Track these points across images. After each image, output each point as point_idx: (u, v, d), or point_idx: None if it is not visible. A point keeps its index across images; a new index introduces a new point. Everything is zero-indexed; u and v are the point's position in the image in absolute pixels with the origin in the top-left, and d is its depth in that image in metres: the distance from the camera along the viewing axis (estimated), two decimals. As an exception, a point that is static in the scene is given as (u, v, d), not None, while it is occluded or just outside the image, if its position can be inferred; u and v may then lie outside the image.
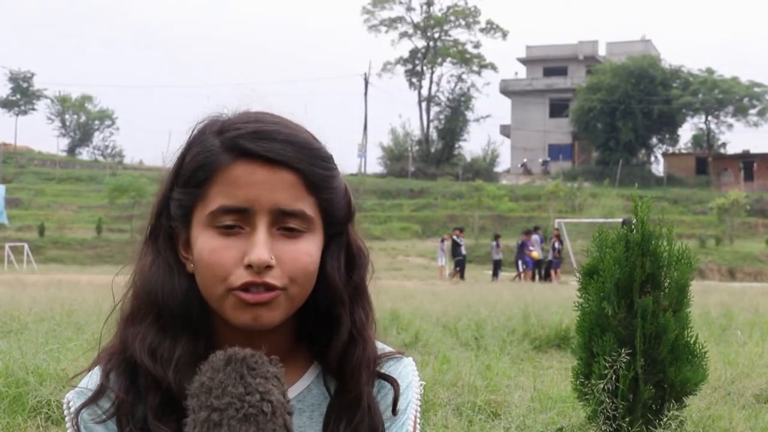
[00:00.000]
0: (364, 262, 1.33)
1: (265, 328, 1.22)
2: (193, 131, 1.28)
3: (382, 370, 1.35)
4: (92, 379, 1.28)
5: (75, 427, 1.26)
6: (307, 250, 1.23)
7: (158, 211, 1.30)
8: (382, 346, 1.38)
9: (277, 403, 1.08)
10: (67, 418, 1.29)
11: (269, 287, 1.19)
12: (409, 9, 71.02)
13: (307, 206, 1.23)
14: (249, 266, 1.19)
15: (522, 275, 28.96)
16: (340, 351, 1.28)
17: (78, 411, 1.25)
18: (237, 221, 1.21)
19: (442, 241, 31.26)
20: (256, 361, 1.11)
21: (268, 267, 1.19)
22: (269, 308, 1.20)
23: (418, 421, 1.36)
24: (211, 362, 1.12)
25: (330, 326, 1.29)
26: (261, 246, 1.18)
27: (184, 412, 1.13)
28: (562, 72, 69.53)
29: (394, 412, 1.33)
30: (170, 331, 1.24)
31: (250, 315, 1.20)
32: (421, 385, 1.40)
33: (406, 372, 1.37)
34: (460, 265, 29.26)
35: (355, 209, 1.33)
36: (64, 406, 1.29)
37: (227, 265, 1.19)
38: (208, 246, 1.21)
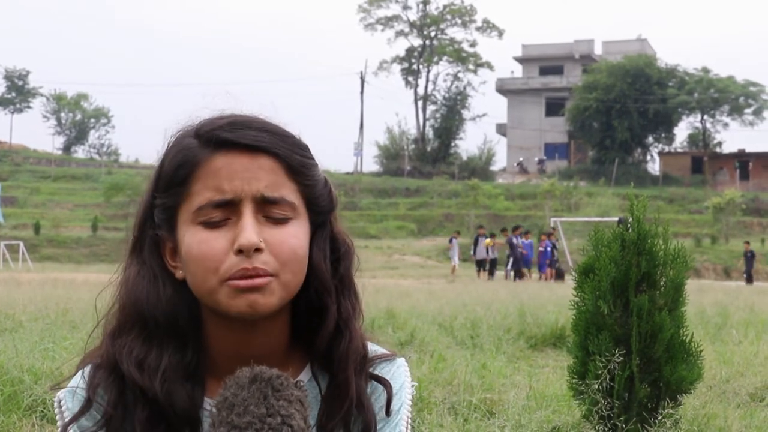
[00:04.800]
0: (349, 254, 1.34)
1: (262, 315, 1.22)
2: (169, 142, 1.29)
3: (375, 372, 1.35)
4: (82, 379, 1.27)
5: None
6: (295, 233, 1.24)
7: (141, 222, 1.30)
8: (375, 348, 1.38)
9: (297, 428, 1.08)
10: (58, 416, 1.29)
11: (261, 273, 1.19)
12: (406, 7, 71.00)
13: (289, 192, 1.25)
14: (239, 252, 1.19)
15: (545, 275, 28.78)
16: (327, 341, 1.29)
17: (69, 423, 1.25)
18: (223, 214, 1.22)
19: (451, 240, 31.29)
20: (282, 383, 1.10)
21: (258, 250, 1.19)
22: (264, 294, 1.20)
23: (410, 422, 1.37)
24: (236, 378, 1.11)
25: (320, 320, 1.30)
26: (249, 229, 1.20)
27: (172, 424, 1.12)
28: (558, 71, 69.54)
29: (388, 413, 1.33)
30: (156, 342, 1.24)
31: (245, 301, 1.20)
32: (413, 386, 1.39)
33: (399, 373, 1.37)
34: (513, 265, 28.78)
35: (337, 200, 1.34)
36: (55, 405, 1.29)
37: (218, 255, 1.20)
38: (196, 239, 1.22)
